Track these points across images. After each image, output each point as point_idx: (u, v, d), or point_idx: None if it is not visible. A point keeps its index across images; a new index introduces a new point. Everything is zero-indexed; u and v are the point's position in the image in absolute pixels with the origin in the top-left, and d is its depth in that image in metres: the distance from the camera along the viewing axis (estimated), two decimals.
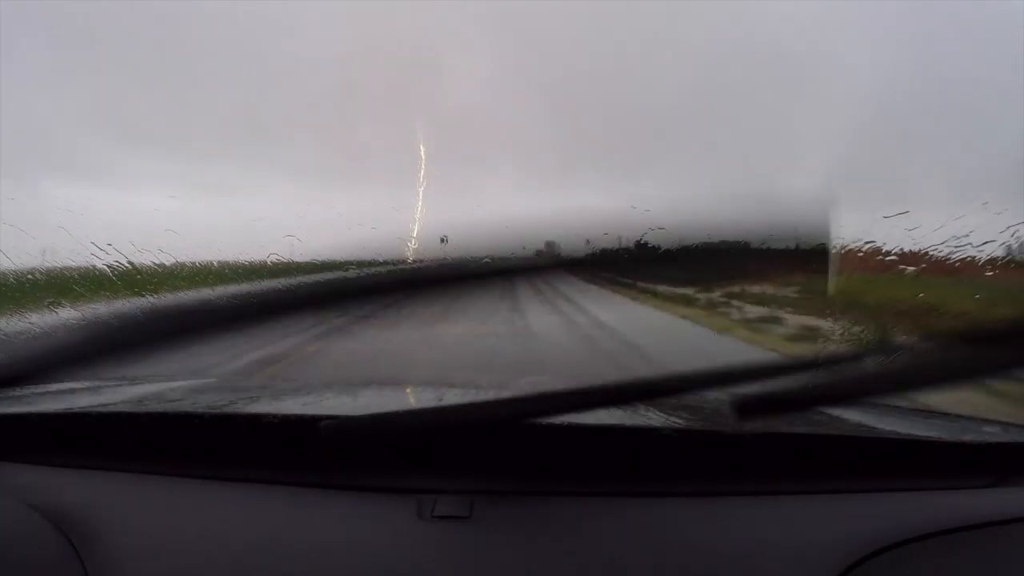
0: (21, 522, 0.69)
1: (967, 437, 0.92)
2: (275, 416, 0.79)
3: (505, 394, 1.16)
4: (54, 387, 1.27)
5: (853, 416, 1.10)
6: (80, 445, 0.86)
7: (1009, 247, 1.59)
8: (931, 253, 1.60)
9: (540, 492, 0.75)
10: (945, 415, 1.25)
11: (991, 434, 0.96)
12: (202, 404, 1.07)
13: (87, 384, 1.31)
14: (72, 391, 1.25)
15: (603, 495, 0.75)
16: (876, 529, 0.67)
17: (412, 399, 1.16)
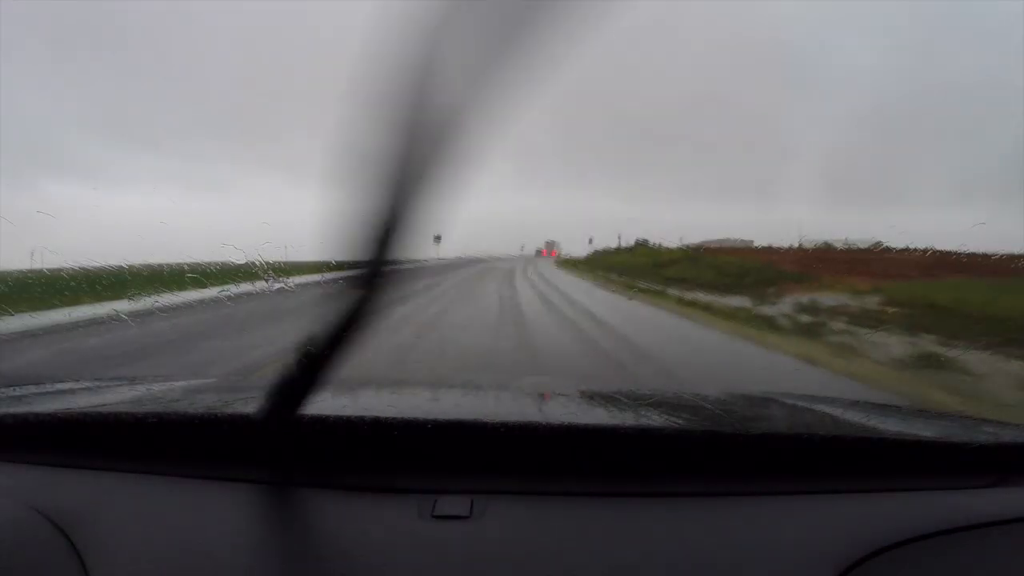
0: (21, 522, 0.69)
1: (967, 437, 0.92)
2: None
3: (506, 395, 1.16)
4: (54, 387, 1.27)
5: (853, 416, 1.10)
6: (80, 445, 0.86)
7: None
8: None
9: (540, 492, 0.75)
10: (945, 415, 1.26)
11: (991, 434, 0.96)
12: (201, 404, 1.07)
13: (87, 384, 1.30)
14: (72, 391, 1.25)
15: (603, 495, 0.75)
16: (876, 529, 0.67)
17: (412, 400, 1.16)
